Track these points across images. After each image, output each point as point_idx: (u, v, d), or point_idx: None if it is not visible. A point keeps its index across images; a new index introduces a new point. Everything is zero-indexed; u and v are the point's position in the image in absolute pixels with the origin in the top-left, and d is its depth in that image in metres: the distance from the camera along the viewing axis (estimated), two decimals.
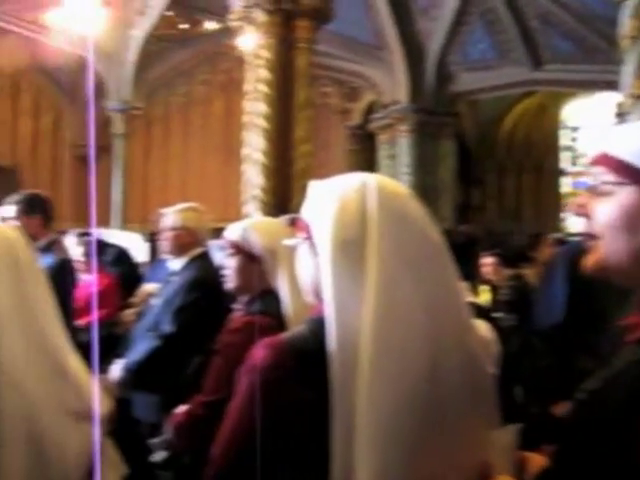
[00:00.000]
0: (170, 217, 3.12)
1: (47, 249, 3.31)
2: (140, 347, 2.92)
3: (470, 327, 1.15)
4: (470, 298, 2.62)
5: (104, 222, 10.88)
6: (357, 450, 1.01)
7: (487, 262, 4.93)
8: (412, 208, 1.15)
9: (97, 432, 1.30)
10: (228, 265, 2.24)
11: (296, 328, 1.21)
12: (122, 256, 5.24)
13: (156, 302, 3.08)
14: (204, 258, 3.10)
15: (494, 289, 4.81)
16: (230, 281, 2.24)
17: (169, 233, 3.09)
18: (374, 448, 1.01)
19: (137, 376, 2.87)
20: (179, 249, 3.09)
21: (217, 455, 1.14)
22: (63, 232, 4.44)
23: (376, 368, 1.03)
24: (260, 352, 1.12)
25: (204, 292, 2.89)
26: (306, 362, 1.08)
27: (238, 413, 1.12)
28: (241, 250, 2.18)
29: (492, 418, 1.14)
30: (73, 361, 1.38)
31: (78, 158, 13.17)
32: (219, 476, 1.13)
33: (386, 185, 1.16)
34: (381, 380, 1.02)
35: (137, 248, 6.89)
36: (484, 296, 4.59)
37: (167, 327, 2.86)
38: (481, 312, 2.39)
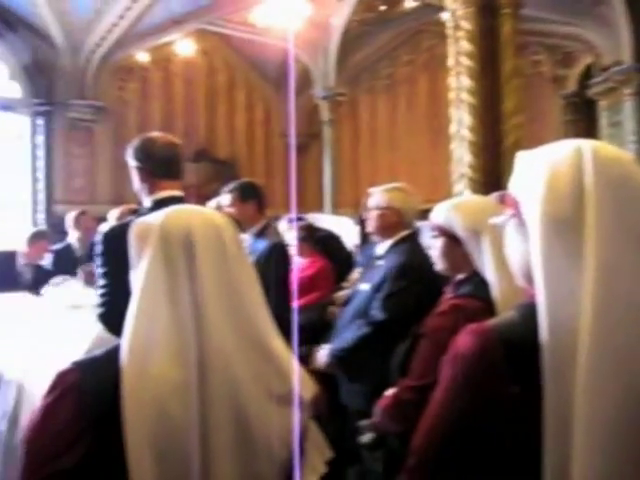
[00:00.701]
0: (376, 196, 3.09)
1: (260, 234, 3.49)
2: (348, 334, 2.92)
3: None
4: None
5: (317, 207, 11.29)
6: (573, 449, 0.91)
7: None
8: (637, 175, 0.99)
9: (299, 416, 1.30)
10: (434, 247, 2.19)
11: (504, 314, 1.12)
12: (329, 240, 5.38)
13: (363, 287, 3.08)
14: (411, 240, 3.03)
15: None
16: (437, 263, 2.20)
17: (375, 212, 3.06)
18: (593, 450, 0.90)
19: (344, 363, 2.90)
20: (384, 230, 3.04)
21: (417, 447, 1.09)
22: (276, 218, 4.66)
23: (595, 365, 0.91)
24: (465, 339, 1.05)
25: (413, 277, 2.82)
26: (514, 352, 0.99)
27: (440, 405, 1.06)
28: (444, 232, 2.12)
29: None
30: (277, 345, 1.38)
31: (288, 147, 13.80)
32: (419, 469, 1.08)
33: (604, 150, 1.01)
34: (600, 378, 0.91)
35: (348, 232, 7.07)
36: None
37: (377, 314, 2.84)
38: None
